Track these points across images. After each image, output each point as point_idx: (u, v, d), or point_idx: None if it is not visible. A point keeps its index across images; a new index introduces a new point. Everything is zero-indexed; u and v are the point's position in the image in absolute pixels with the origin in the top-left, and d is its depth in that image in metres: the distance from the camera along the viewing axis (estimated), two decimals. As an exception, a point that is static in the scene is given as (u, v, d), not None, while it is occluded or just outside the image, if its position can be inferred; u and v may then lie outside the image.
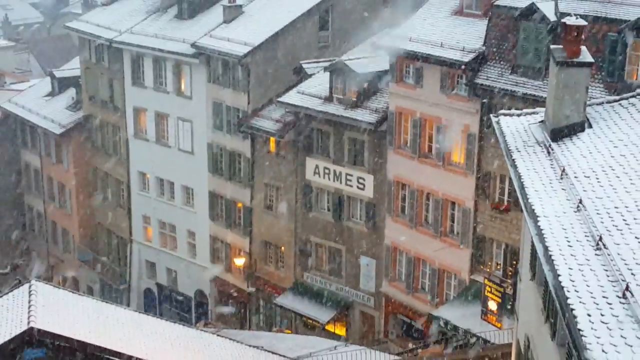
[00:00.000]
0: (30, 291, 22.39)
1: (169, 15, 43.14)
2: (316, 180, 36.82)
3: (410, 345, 32.65)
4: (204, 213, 42.39)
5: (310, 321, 37.11)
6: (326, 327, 36.57)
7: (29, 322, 19.89)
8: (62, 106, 48.31)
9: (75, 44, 51.59)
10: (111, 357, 20.94)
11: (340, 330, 37.02)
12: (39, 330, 19.76)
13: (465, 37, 29.67)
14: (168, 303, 45.03)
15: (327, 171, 36.14)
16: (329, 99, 34.40)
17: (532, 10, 25.88)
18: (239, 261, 40.80)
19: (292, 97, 35.88)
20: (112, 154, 46.49)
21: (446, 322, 29.99)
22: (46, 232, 52.11)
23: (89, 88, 47.07)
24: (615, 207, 10.63)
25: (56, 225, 51.24)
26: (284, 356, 26.09)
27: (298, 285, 38.32)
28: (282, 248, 39.11)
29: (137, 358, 20.87)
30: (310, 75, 36.59)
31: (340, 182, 35.85)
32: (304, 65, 37.32)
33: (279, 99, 36.64)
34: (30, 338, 19.61)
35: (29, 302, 21.50)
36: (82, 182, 48.31)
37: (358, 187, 35.16)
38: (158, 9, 44.20)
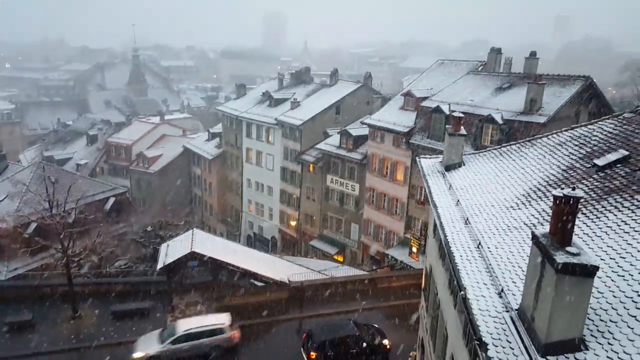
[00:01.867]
0: (193, 233, 26.11)
1: (265, 105, 47.33)
2: (331, 185, 39.74)
3: (374, 267, 34.61)
4: (277, 199, 46.15)
5: (326, 254, 39.30)
6: (334, 257, 38.58)
7: (191, 247, 23.61)
8: (212, 145, 53.23)
9: (220, 117, 55.03)
10: (231, 267, 24.35)
11: (340, 259, 38.98)
12: (195, 252, 23.58)
13: (405, 120, 32.17)
14: (259, 242, 48.34)
15: (337, 181, 39.23)
16: (339, 147, 38.07)
17: (438, 108, 28.62)
18: (293, 223, 44.33)
19: (321, 146, 39.67)
20: (235, 169, 50.43)
21: (392, 257, 32.30)
22: (202, 205, 55.59)
23: (225, 137, 51.71)
24: (475, 204, 11.96)
25: (207, 203, 54.82)
26: (312, 269, 28.24)
27: (321, 236, 41.14)
28: (314, 217, 42.14)
29: (243, 268, 24.35)
30: (331, 135, 40.15)
31: (343, 186, 38.80)
32: (328, 131, 40.98)
33: (316, 146, 40.37)
34: (192, 255, 23.50)
35: (192, 238, 24.94)
36: (220, 182, 52.29)
37: (352, 189, 38.07)
38: (260, 101, 48.37)
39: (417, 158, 18.44)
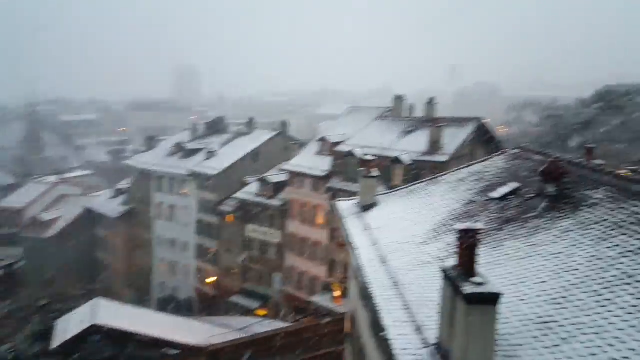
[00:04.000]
0: (95, 303, 24.00)
1: (177, 156, 46.56)
2: (251, 235, 39.12)
3: (298, 317, 33.65)
4: (193, 255, 44.43)
5: (248, 309, 38.22)
6: (256, 311, 37.58)
7: (93, 320, 21.72)
8: (118, 203, 50.58)
9: (127, 172, 52.57)
10: (140, 337, 22.39)
11: (264, 312, 37.79)
12: (97, 325, 21.77)
13: (322, 164, 33.39)
14: (174, 305, 44.74)
15: (257, 230, 38.80)
16: (258, 195, 38.11)
17: (351, 152, 29.94)
18: (211, 279, 42.46)
19: (240, 195, 39.33)
20: (145, 227, 48.07)
21: (316, 304, 32.23)
22: (107, 271, 50.77)
23: (134, 193, 49.50)
24: (390, 242, 12.01)
25: (112, 267, 50.07)
26: (233, 328, 27.08)
27: (243, 290, 40.00)
28: (234, 270, 40.86)
29: (154, 337, 22.51)
30: (249, 184, 39.92)
31: (264, 235, 38.38)
32: (246, 179, 40.66)
33: (234, 195, 39.90)
34: (94, 329, 21.67)
35: (94, 309, 22.82)
36: (127, 243, 48.67)
37: (273, 237, 37.84)
38: (172, 153, 47.36)
39: (334, 201, 18.65)
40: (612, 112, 34.55)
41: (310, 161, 34.98)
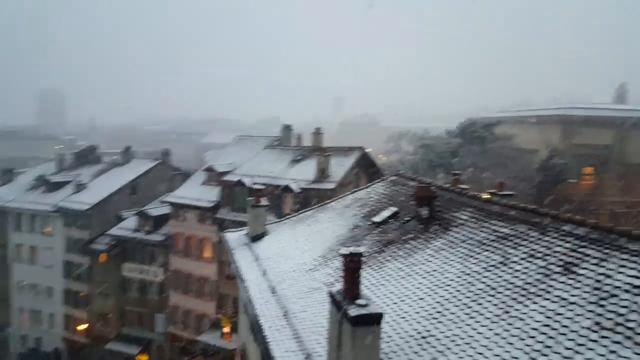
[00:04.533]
0: None
1: (40, 190, 42.10)
2: (129, 275, 36.50)
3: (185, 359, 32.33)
4: (60, 301, 40.20)
5: (127, 356, 35.46)
6: (137, 358, 35.11)
7: None
8: None
9: None
10: None
11: (145, 358, 35.50)
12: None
13: (209, 195, 32.37)
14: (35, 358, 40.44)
15: (135, 269, 36.22)
16: (136, 230, 35.63)
17: (240, 182, 29.73)
18: (83, 327, 38.81)
19: (115, 231, 36.55)
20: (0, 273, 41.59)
21: (204, 343, 30.95)
22: None
23: None
24: (280, 271, 12.28)
25: None
26: None
27: (120, 336, 37.15)
28: (109, 315, 37.83)
29: None
30: (126, 218, 37.29)
31: (144, 274, 35.97)
32: (123, 213, 37.94)
33: (108, 232, 36.86)
34: None
35: None
36: None
37: (154, 276, 35.61)
38: (33, 187, 42.67)
39: (222, 233, 18.50)
40: (475, 142, 39.15)
41: (196, 192, 33.81)
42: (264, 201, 16.81)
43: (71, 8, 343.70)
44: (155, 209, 36.50)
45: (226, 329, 29.61)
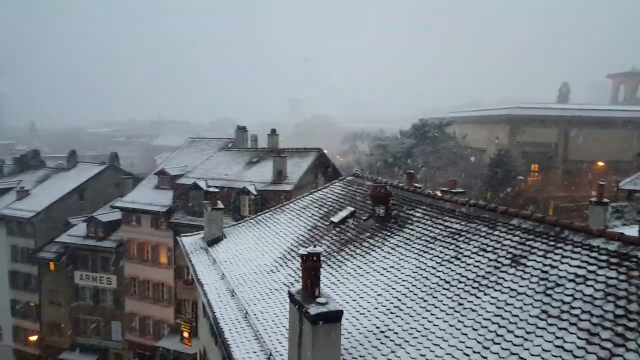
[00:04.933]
0: None
1: None
2: (81, 283, 35.20)
3: None
4: (7, 312, 38.41)
5: None
6: None
7: None
8: None
9: None
10: None
11: None
12: None
13: (162, 199, 31.45)
14: None
15: (88, 276, 35.04)
16: (87, 237, 34.48)
17: (195, 185, 29.03)
18: (34, 338, 37.41)
19: (64, 238, 35.25)
20: None
21: (163, 349, 30.45)
22: None
23: None
24: (239, 274, 12.27)
25: None
26: None
27: (75, 345, 35.78)
28: (62, 325, 36.31)
29: None
30: (75, 225, 35.90)
31: (97, 281, 34.87)
32: (71, 220, 36.34)
33: (57, 239, 35.49)
34: None
35: None
36: None
37: (108, 283, 34.63)
38: None
39: (178, 237, 18.11)
40: (427, 142, 40.41)
41: (148, 196, 32.88)
42: (219, 204, 16.61)
43: (8, 7, 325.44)
44: (106, 215, 35.36)
45: (186, 334, 29.29)
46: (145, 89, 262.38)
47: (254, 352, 8.42)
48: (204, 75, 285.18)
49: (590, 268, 6.42)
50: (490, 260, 7.69)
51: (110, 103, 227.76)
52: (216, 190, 17.89)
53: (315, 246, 7.44)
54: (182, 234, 18.59)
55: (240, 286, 11.69)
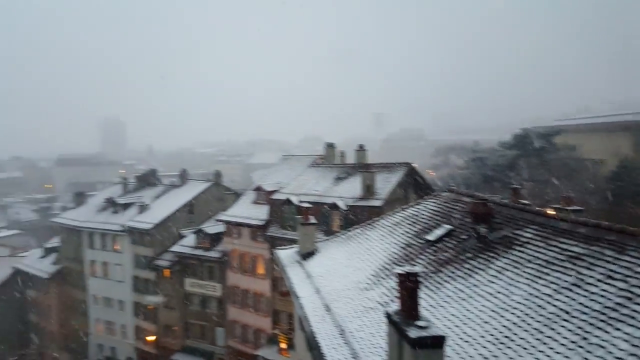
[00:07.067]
0: None
1: (109, 211, 43.70)
2: (191, 289, 37.05)
3: None
4: (130, 313, 41.46)
5: None
6: None
7: None
8: (49, 262, 46.80)
9: (57, 230, 48.55)
10: None
11: None
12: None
13: (259, 214, 32.54)
14: None
15: (196, 284, 36.76)
16: (195, 247, 36.32)
17: (288, 200, 29.79)
18: (152, 338, 39.70)
19: (176, 248, 37.51)
20: (78, 286, 44.64)
21: (262, 358, 30.78)
22: (40, 334, 46.99)
23: (64, 252, 46.07)
24: (333, 289, 11.86)
25: (45, 330, 46.03)
26: None
27: (185, 348, 37.67)
28: (175, 328, 38.45)
29: None
30: (185, 236, 38.27)
31: (204, 289, 36.45)
32: (182, 232, 38.92)
33: (170, 249, 37.92)
34: None
35: None
36: (60, 303, 45.26)
37: (213, 291, 35.99)
38: (103, 208, 44.51)
39: (273, 250, 18.25)
40: (533, 153, 36.41)
41: (247, 210, 33.67)
42: (312, 219, 16.50)
43: (127, 41, 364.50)
44: (211, 227, 36.90)
45: (283, 345, 29.28)
46: (239, 111, 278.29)
47: (352, 374, 7.84)
48: (290, 96, 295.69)
49: None
50: (620, 289, 6.47)
51: (211, 125, 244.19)
52: (309, 205, 17.61)
53: (412, 265, 6.75)
54: (278, 247, 18.65)
55: (335, 302, 11.26)
